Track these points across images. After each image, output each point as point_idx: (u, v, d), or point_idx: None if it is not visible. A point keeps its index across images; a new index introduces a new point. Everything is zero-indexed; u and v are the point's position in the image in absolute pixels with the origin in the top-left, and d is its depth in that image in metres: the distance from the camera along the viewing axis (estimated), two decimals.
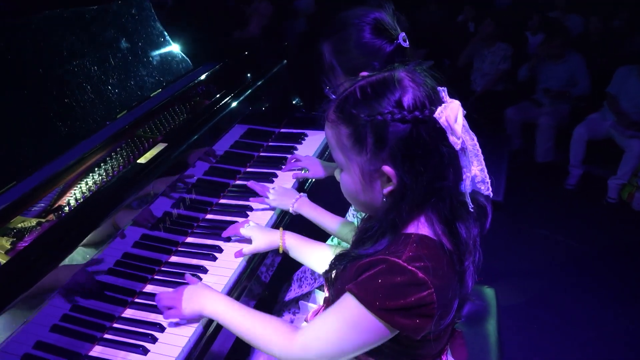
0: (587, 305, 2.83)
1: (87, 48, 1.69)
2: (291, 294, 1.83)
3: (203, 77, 1.98)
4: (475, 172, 1.12)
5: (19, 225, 1.34)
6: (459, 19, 5.67)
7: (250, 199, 1.81)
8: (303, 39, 6.69)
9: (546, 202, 3.91)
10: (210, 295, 1.30)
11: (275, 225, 1.75)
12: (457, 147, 1.03)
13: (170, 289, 1.47)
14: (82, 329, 1.32)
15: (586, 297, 2.90)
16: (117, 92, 1.73)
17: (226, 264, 1.55)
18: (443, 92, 1.09)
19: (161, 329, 1.33)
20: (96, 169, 1.57)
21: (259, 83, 2.02)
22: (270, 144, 2.22)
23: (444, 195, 1.06)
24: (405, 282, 0.99)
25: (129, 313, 1.41)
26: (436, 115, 1.01)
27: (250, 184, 1.81)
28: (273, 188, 1.77)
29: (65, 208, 1.40)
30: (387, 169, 1.04)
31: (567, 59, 4.49)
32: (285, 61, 2.25)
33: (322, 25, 5.14)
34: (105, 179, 1.49)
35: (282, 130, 2.30)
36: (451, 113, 1.02)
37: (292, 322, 1.70)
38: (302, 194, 1.72)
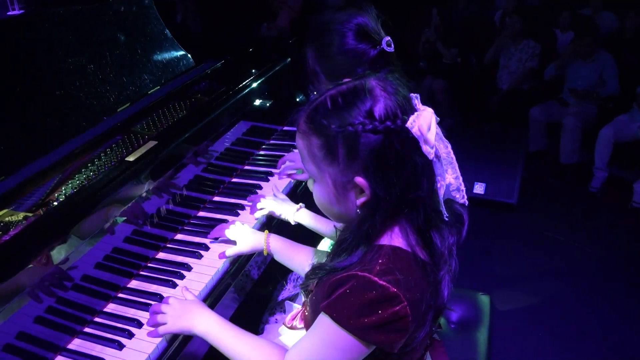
0: (596, 314, 2.76)
1: (85, 45, 1.73)
2: (285, 294, 1.84)
3: (202, 74, 2.00)
4: (450, 180, 1.11)
5: (7, 218, 1.38)
6: (495, 15, 5.54)
7: (247, 197, 1.83)
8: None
9: (566, 206, 3.81)
10: (202, 313, 1.27)
11: (265, 225, 1.76)
12: (431, 157, 1.02)
13: (153, 285, 1.51)
14: (64, 322, 1.36)
15: (597, 305, 2.82)
16: (114, 89, 1.77)
17: (211, 263, 1.57)
18: (416, 99, 1.07)
19: (139, 325, 1.36)
20: (89, 165, 1.61)
21: (258, 82, 2.02)
22: (271, 141, 2.23)
23: (418, 205, 1.05)
24: (378, 298, 0.98)
25: (110, 307, 1.45)
26: (408, 124, 0.99)
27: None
28: (274, 194, 1.77)
29: (55, 203, 1.44)
30: (359, 180, 1.02)
31: (596, 58, 4.35)
32: (289, 59, 2.25)
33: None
34: (96, 176, 1.53)
35: (285, 128, 2.31)
36: (424, 122, 1.00)
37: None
38: (301, 204, 1.72)
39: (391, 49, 1.43)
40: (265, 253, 1.54)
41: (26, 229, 1.29)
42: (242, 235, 1.58)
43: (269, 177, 1.98)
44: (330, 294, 1.03)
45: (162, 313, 1.30)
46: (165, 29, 1.96)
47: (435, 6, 5.44)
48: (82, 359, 1.29)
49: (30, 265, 1.25)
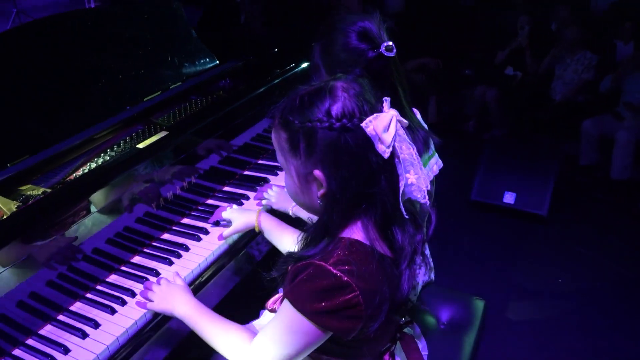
0: (615, 336, 2.68)
1: (114, 41, 1.92)
2: None
3: (222, 72, 2.15)
4: (412, 180, 1.17)
5: (29, 192, 1.58)
6: (552, 24, 5.41)
7: (254, 189, 1.96)
8: (389, 38, 6.71)
9: (607, 224, 3.67)
10: (182, 298, 1.39)
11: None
12: (386, 156, 1.08)
13: (153, 262, 1.66)
14: (71, 287, 1.53)
15: (617, 327, 2.73)
16: (139, 82, 1.95)
17: (206, 245, 1.71)
18: (385, 102, 1.15)
19: (132, 295, 1.51)
20: (108, 150, 1.79)
21: (274, 82, 2.15)
22: None
23: (376, 201, 1.12)
24: (330, 286, 1.06)
25: (112, 278, 1.61)
26: (363, 124, 1.07)
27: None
28: (276, 185, 1.89)
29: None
30: (317, 173, 1.12)
31: None
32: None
33: (411, 26, 5.14)
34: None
35: None
36: (380, 123, 1.07)
37: None
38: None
39: (391, 54, 1.50)
40: (257, 230, 1.66)
41: (36, 203, 1.47)
42: (236, 214, 1.70)
43: (278, 172, 2.09)
44: (292, 280, 1.12)
45: (152, 291, 1.44)
46: (191, 30, 2.12)
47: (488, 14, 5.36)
48: (79, 320, 1.45)
49: (50, 237, 1.42)
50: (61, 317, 1.47)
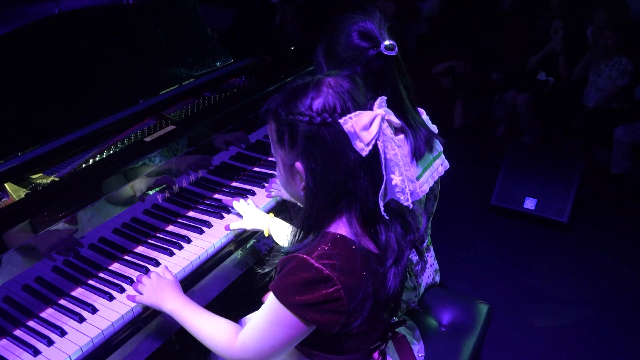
0: (630, 348, 2.58)
1: (130, 37, 1.97)
2: None
3: (235, 70, 2.19)
4: (396, 181, 1.16)
5: (39, 181, 1.64)
6: (588, 30, 5.28)
7: (262, 185, 1.99)
8: (422, 41, 6.67)
9: (633, 233, 3.56)
10: (171, 294, 1.42)
11: (271, 211, 1.90)
12: (363, 154, 1.08)
13: (154, 252, 1.70)
14: (75, 273, 1.58)
15: (632, 338, 2.64)
16: (153, 78, 2.00)
17: (208, 238, 1.74)
18: (379, 101, 1.15)
19: (131, 282, 1.55)
20: (119, 143, 1.84)
21: (287, 81, 2.16)
22: None
23: (357, 197, 1.13)
24: (312, 279, 1.07)
25: (114, 266, 1.65)
26: (342, 120, 1.08)
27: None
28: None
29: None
30: (298, 165, 1.14)
31: None
32: None
33: (444, 30, 5.13)
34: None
35: None
36: (360, 121, 1.08)
37: None
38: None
39: (392, 53, 1.51)
40: (266, 234, 1.69)
41: (41, 191, 1.53)
42: (249, 212, 1.74)
43: None
44: (278, 273, 1.15)
45: (142, 284, 1.48)
46: (206, 28, 2.17)
47: (525, 19, 5.27)
48: (79, 304, 1.49)
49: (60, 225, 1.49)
50: (62, 302, 1.52)
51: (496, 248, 3.26)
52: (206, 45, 2.17)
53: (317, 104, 1.10)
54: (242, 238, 1.80)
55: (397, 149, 1.16)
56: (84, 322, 1.43)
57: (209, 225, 1.80)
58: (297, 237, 1.23)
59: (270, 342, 1.16)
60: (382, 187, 1.13)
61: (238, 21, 7.08)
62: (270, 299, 1.15)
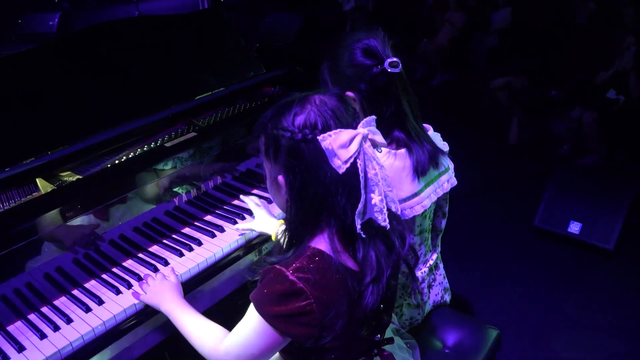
0: None
1: (164, 46, 2.10)
2: None
3: (266, 80, 2.27)
4: (375, 201, 1.18)
5: (67, 178, 1.77)
6: None
7: None
8: (492, 54, 6.53)
9: None
10: (170, 296, 1.49)
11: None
12: (340, 171, 1.12)
13: (166, 252, 1.79)
14: (92, 266, 1.70)
15: None
16: (184, 85, 2.11)
17: (218, 242, 1.81)
18: (367, 120, 1.18)
19: (139, 279, 1.65)
20: (146, 147, 1.95)
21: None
22: None
23: (337, 213, 1.16)
24: (285, 291, 1.12)
25: (127, 262, 1.76)
26: (320, 137, 1.12)
27: None
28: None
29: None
30: (280, 178, 1.19)
31: None
32: None
33: (516, 42, 5.03)
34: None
35: None
36: (339, 139, 1.11)
37: None
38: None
39: (396, 70, 1.53)
40: (273, 239, 1.74)
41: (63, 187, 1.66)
42: (259, 214, 1.79)
43: None
44: (259, 282, 1.20)
45: (147, 284, 1.57)
46: (240, 38, 2.25)
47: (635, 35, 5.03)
48: (88, 296, 1.61)
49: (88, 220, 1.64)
50: (75, 292, 1.63)
51: (533, 271, 3.14)
52: (239, 55, 2.26)
53: (299, 120, 1.15)
54: (252, 244, 1.86)
55: (377, 169, 1.17)
56: (90, 312, 1.54)
57: (221, 229, 1.87)
58: (280, 248, 1.27)
59: (249, 349, 1.21)
60: (360, 205, 1.14)
61: (306, 28, 7.22)
62: (250, 308, 1.20)
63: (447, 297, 1.96)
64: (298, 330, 1.14)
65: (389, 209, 1.21)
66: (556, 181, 3.37)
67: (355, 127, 1.17)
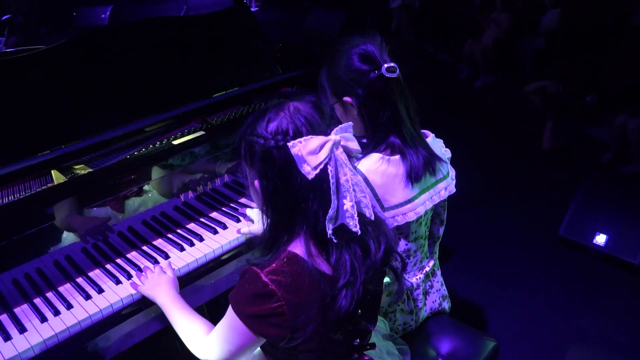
0: None
1: (183, 45, 2.17)
2: None
3: (281, 81, 2.30)
4: (347, 206, 1.20)
5: (79, 171, 1.86)
6: None
7: None
8: (539, 56, 6.35)
9: None
10: (165, 289, 1.56)
11: None
12: (309, 177, 1.14)
13: (168, 245, 1.86)
14: (98, 256, 1.79)
15: None
16: (201, 84, 2.17)
17: (218, 239, 1.87)
18: (342, 126, 1.20)
19: (140, 270, 1.72)
20: (158, 143, 2.02)
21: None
22: None
23: (309, 218, 1.19)
24: (258, 292, 1.16)
25: (131, 254, 1.84)
26: (290, 144, 1.15)
27: None
28: None
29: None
30: (256, 183, 1.23)
31: None
32: None
33: (562, 44, 4.92)
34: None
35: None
36: (308, 145, 1.13)
37: None
38: None
39: (393, 75, 1.54)
40: None
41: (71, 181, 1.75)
42: (260, 218, 1.81)
43: None
44: (237, 282, 1.25)
45: (145, 276, 1.64)
46: (258, 39, 2.30)
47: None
48: (90, 284, 1.69)
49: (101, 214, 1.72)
50: (79, 279, 1.72)
51: (553, 282, 3.06)
52: (257, 55, 2.31)
53: (272, 126, 1.18)
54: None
55: (349, 175, 1.19)
56: (89, 300, 1.62)
57: (224, 226, 1.93)
58: (260, 251, 1.31)
59: (228, 345, 1.27)
60: (331, 210, 1.16)
61: (348, 25, 7.21)
62: (229, 306, 1.24)
63: (446, 305, 1.95)
64: (270, 331, 1.18)
65: (362, 215, 1.22)
66: (585, 190, 3.26)
67: (329, 134, 1.19)
